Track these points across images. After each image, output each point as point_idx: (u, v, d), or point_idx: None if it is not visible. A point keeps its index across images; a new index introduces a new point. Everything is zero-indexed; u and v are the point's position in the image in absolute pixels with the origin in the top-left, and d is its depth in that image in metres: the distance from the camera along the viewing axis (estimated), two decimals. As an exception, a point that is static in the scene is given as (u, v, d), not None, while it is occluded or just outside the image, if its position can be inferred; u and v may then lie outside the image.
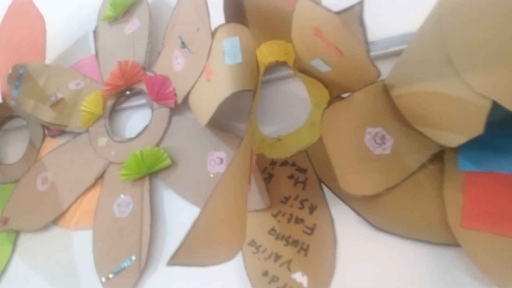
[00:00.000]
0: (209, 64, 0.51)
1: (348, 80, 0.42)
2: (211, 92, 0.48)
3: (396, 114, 0.44)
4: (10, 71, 0.69)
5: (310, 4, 0.34)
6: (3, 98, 0.76)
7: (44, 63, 0.72)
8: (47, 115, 0.69)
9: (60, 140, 0.70)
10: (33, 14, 0.74)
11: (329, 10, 0.32)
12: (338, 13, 0.30)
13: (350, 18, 0.30)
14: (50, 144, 0.70)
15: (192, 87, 0.56)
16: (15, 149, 0.75)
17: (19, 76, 0.71)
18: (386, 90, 0.45)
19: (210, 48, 0.51)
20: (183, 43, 0.57)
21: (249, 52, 0.46)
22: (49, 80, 0.71)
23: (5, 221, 0.66)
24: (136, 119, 0.66)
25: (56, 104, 0.69)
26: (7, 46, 0.77)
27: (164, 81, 0.60)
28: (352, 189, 0.42)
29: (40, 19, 0.73)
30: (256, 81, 0.46)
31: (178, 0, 0.59)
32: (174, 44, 0.59)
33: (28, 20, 0.75)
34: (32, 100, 0.70)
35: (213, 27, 0.51)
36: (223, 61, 0.46)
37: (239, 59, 0.45)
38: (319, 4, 0.33)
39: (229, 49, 0.46)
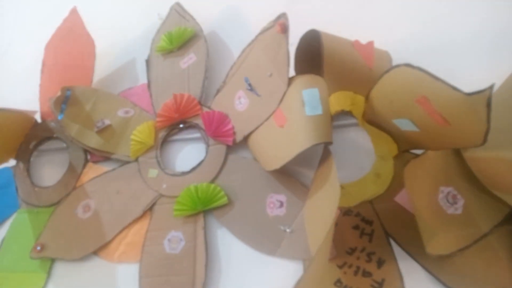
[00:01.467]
0: (282, 111, 0.52)
1: (435, 141, 0.44)
2: (285, 139, 0.49)
3: (467, 174, 0.46)
4: (58, 93, 0.68)
5: (417, 72, 0.36)
6: (43, 118, 0.75)
7: (93, 88, 0.72)
8: (93, 140, 0.68)
9: (102, 167, 0.69)
10: (83, 37, 0.74)
11: (446, 84, 0.33)
12: (468, 94, 0.32)
13: (477, 100, 0.31)
14: (92, 170, 0.69)
15: (255, 129, 0.57)
16: (52, 171, 0.73)
17: (65, 99, 0.70)
18: (457, 150, 0.47)
19: (284, 95, 0.52)
20: (250, 85, 0.58)
21: (327, 103, 0.48)
22: (97, 105, 0.70)
23: (42, 247, 0.63)
24: (187, 152, 0.66)
25: (103, 131, 0.68)
26: (52, 67, 0.76)
27: (223, 118, 0.61)
28: (431, 249, 0.43)
29: (90, 43, 0.73)
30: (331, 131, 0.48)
31: (250, 43, 0.61)
32: (239, 84, 0.60)
33: (77, 43, 0.75)
34: (77, 124, 0.69)
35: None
36: (302, 111, 0.47)
37: (319, 110, 0.47)
38: (430, 74, 0.35)
39: (309, 100, 0.48)
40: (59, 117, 0.69)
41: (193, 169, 0.61)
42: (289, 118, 0.50)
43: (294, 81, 0.51)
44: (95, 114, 0.70)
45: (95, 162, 0.70)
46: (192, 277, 0.54)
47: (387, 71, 0.42)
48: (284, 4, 0.70)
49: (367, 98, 0.51)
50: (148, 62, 0.72)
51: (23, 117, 0.72)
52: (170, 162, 0.65)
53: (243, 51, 0.62)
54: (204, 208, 0.57)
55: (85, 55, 0.73)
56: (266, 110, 0.55)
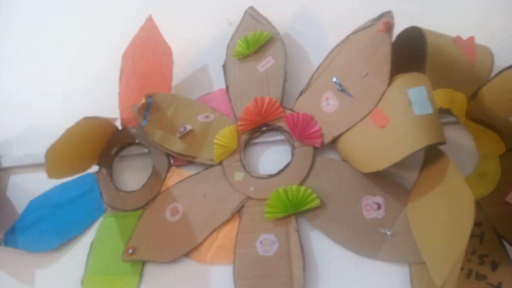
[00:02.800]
0: (381, 111, 0.51)
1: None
2: (390, 140, 0.48)
3: None
4: (143, 100, 0.70)
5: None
6: (123, 125, 0.78)
7: (172, 94, 0.73)
8: (176, 145, 0.70)
9: (186, 171, 0.70)
10: (160, 44, 0.76)
11: None
12: None
13: None
14: (176, 174, 0.71)
15: (347, 130, 0.56)
16: (134, 176, 0.76)
17: (147, 106, 0.72)
18: None
19: (384, 95, 0.51)
20: (340, 85, 0.57)
21: (435, 101, 0.46)
22: (178, 111, 0.72)
23: (133, 250, 0.65)
24: (270, 155, 0.66)
25: (186, 135, 0.70)
26: (130, 74, 0.79)
27: (309, 120, 0.60)
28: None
29: (168, 51, 0.75)
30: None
31: (339, 44, 0.60)
32: (326, 85, 0.60)
33: (154, 50, 0.77)
34: (160, 130, 0.71)
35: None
36: (410, 111, 0.46)
37: (429, 109, 0.45)
38: None
39: (416, 98, 0.46)
40: (143, 124, 0.72)
41: (280, 171, 0.62)
42: (393, 118, 0.49)
43: (396, 80, 0.50)
44: (176, 120, 0.71)
45: (178, 166, 0.71)
46: (289, 280, 0.54)
47: (507, 68, 0.40)
48: (358, 5, 0.70)
49: (473, 95, 0.49)
50: (225, 67, 0.73)
51: (105, 124, 0.74)
52: (253, 165, 0.66)
53: (330, 52, 0.61)
54: (296, 211, 0.57)
55: (163, 62, 0.75)
56: (360, 110, 0.55)
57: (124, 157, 0.78)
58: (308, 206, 0.57)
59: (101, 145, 0.77)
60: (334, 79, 0.58)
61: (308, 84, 0.63)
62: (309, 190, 0.57)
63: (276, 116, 0.64)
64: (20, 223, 0.78)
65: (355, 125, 0.55)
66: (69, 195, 0.77)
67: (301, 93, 0.64)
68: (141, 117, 0.72)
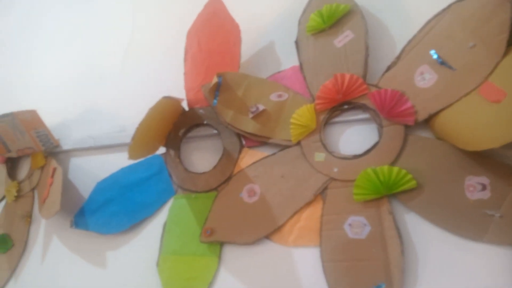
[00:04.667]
0: (494, 84, 0.47)
1: None
2: (505, 115, 0.45)
3: None
4: (215, 79, 0.68)
5: None
6: (190, 106, 0.76)
7: (242, 73, 0.71)
8: (249, 126, 0.67)
9: (259, 152, 0.68)
10: (227, 22, 0.73)
11: None
12: None
13: None
14: (248, 155, 0.69)
15: (448, 106, 0.53)
16: (203, 157, 0.74)
17: (217, 85, 0.70)
18: None
19: (497, 67, 0.47)
20: (439, 58, 0.53)
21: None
22: (249, 90, 0.70)
23: (211, 232, 0.65)
24: (352, 134, 0.63)
25: (259, 116, 0.68)
26: (195, 54, 0.77)
27: (399, 97, 0.57)
28: None
29: (235, 28, 0.72)
30: None
31: (437, 14, 0.56)
32: (421, 58, 0.56)
33: (221, 28, 0.74)
34: (232, 110, 0.69)
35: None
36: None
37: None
38: None
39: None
40: (214, 103, 0.70)
41: (367, 151, 0.59)
42: (510, 92, 0.45)
43: (513, 51, 0.46)
44: (248, 99, 0.69)
45: (250, 147, 0.70)
46: (383, 263, 0.52)
47: None
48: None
49: None
50: (297, 43, 0.69)
51: (175, 105, 0.73)
52: (334, 145, 0.63)
53: (427, 23, 0.57)
54: (389, 192, 0.55)
55: (231, 40, 0.73)
56: (465, 85, 0.51)
57: (191, 138, 0.76)
58: (403, 188, 0.54)
59: (169, 127, 0.76)
60: (432, 52, 0.55)
61: (398, 58, 0.59)
62: (403, 171, 0.54)
63: (359, 93, 0.61)
64: (88, 205, 0.78)
65: (457, 100, 0.52)
66: (138, 176, 0.77)
67: (389, 68, 0.60)
68: (212, 96, 0.70)
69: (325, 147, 0.62)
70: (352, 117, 0.63)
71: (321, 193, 0.60)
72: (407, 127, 0.57)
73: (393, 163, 0.56)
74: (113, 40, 0.98)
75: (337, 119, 0.64)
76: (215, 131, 0.73)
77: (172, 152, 0.76)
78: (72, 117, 0.95)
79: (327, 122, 0.64)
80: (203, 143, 0.76)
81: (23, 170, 0.95)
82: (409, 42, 0.58)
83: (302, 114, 0.64)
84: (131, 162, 0.78)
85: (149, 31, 0.94)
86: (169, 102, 0.66)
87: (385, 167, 0.55)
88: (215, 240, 0.64)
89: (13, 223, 0.88)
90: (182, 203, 0.72)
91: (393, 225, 0.53)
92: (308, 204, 0.61)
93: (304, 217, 0.60)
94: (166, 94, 0.86)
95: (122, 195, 0.77)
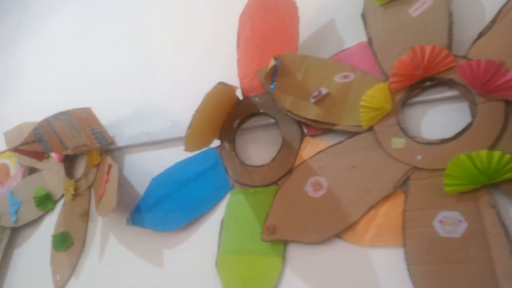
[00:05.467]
0: None
1: None
2: None
3: None
4: (272, 62, 0.62)
5: None
6: (244, 95, 0.71)
7: (301, 55, 0.64)
8: (311, 112, 0.61)
9: (323, 140, 0.61)
10: (282, 0, 0.67)
11: None
12: None
13: None
14: (311, 144, 0.62)
15: None
16: (260, 149, 0.69)
17: (275, 70, 0.64)
18: None
19: None
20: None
21: None
22: (309, 73, 0.63)
23: (273, 229, 0.59)
24: (435, 115, 0.54)
25: (322, 100, 0.61)
26: (248, 39, 0.71)
27: (497, 67, 0.47)
28: None
29: (292, 6, 0.66)
30: None
31: None
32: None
33: (275, 9, 0.69)
34: (291, 96, 0.63)
35: None
36: None
37: None
38: None
39: None
40: (271, 90, 0.64)
41: (458, 135, 0.50)
42: None
43: None
44: (308, 83, 0.62)
45: (313, 135, 0.63)
46: (486, 267, 0.43)
47: None
48: None
49: None
50: (364, 16, 0.62)
51: (229, 94, 0.68)
52: (414, 129, 0.55)
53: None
54: (490, 182, 0.45)
55: (286, 20, 0.67)
56: None
57: (247, 129, 0.71)
58: (507, 176, 0.44)
59: (223, 118, 0.71)
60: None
61: (493, 21, 0.50)
62: (508, 156, 0.44)
63: (444, 67, 0.52)
64: (144, 201, 0.76)
65: None
66: (193, 171, 0.73)
67: (480, 35, 0.51)
68: (269, 82, 0.64)
69: (404, 131, 0.54)
70: (436, 95, 0.54)
71: (401, 185, 0.52)
72: (507, 103, 0.47)
73: (492, 147, 0.47)
74: (163, 35, 0.97)
75: (417, 99, 0.55)
76: (272, 120, 0.67)
77: (227, 145, 0.71)
78: (125, 114, 0.94)
79: (405, 103, 0.56)
80: (259, 134, 0.70)
81: (80, 168, 0.96)
82: (507, 2, 0.48)
83: (374, 95, 0.56)
84: (186, 157, 0.74)
85: (198, 21, 0.90)
86: (224, 89, 0.62)
87: (483, 152, 0.46)
88: (278, 239, 0.58)
89: (71, 221, 0.89)
90: (240, 198, 0.67)
91: (497, 221, 0.44)
92: (386, 198, 0.53)
93: (382, 213, 0.53)
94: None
95: (178, 191, 0.73)
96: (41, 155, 0.88)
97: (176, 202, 0.72)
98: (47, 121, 0.81)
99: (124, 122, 0.93)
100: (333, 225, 0.55)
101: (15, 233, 1.01)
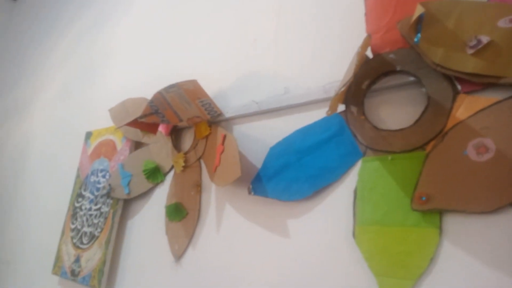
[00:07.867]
0: None
1: None
2: None
3: None
4: (418, 11, 0.54)
5: None
6: (375, 52, 0.64)
7: (452, -1, 0.56)
8: (469, 64, 0.53)
9: (482, 97, 0.53)
10: None
11: None
12: None
13: None
14: (468, 102, 0.55)
15: None
16: (397, 112, 0.63)
17: (419, 19, 0.56)
18: None
19: None
20: None
21: None
22: (463, 19, 0.54)
23: (427, 198, 0.53)
24: None
25: (482, 50, 0.52)
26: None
27: None
28: None
29: None
30: None
31: None
32: None
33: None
34: (441, 48, 0.55)
35: None
36: None
37: None
38: None
39: None
40: (415, 42, 0.57)
41: None
42: None
43: None
44: (463, 31, 0.54)
45: (469, 92, 0.55)
46: None
47: None
48: None
49: None
50: None
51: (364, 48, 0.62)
52: None
53: None
54: None
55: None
56: None
57: (377, 90, 0.65)
58: None
59: (349, 79, 0.65)
60: None
61: None
62: None
63: None
64: (264, 171, 0.74)
65: None
66: (314, 139, 0.69)
67: None
68: (414, 33, 0.57)
69: None
70: None
71: None
72: None
73: None
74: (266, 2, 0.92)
75: None
76: (411, 78, 0.60)
77: (354, 109, 0.66)
78: (230, 85, 0.92)
79: None
80: (395, 95, 0.63)
81: (187, 141, 0.96)
82: None
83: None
84: (301, 125, 0.71)
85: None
86: (367, 42, 0.55)
87: None
88: (434, 208, 0.53)
89: (183, 192, 0.90)
90: (375, 166, 0.61)
91: None
92: None
93: None
94: (329, 49, 0.76)
95: (299, 160, 0.70)
96: (155, 128, 0.89)
97: (299, 172, 0.69)
98: (160, 94, 0.81)
99: (229, 93, 0.92)
100: (507, 192, 0.48)
101: (128, 204, 1.05)
